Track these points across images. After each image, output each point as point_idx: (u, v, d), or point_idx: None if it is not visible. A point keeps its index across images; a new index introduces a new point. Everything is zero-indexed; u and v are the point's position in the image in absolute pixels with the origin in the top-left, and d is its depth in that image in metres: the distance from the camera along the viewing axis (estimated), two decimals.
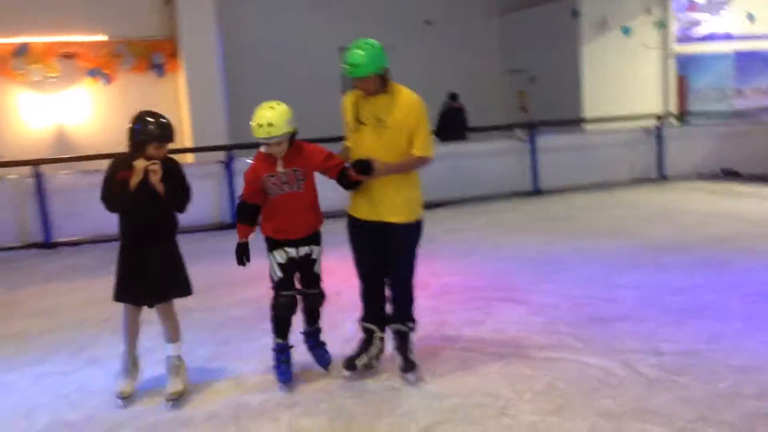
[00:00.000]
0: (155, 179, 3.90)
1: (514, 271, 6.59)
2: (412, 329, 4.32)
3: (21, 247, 8.69)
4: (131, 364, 4.17)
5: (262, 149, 4.04)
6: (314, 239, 4.18)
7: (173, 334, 4.18)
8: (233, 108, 11.44)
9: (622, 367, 4.16)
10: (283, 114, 3.89)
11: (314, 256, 4.16)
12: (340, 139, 4.50)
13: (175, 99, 11.83)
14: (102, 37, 11.46)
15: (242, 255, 4.08)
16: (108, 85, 11.58)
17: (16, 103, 11.28)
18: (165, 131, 3.95)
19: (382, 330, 4.35)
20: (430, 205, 9.81)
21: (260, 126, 3.86)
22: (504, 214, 9.71)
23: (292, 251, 4.10)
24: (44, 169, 9.10)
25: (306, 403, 3.94)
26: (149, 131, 3.90)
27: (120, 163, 3.99)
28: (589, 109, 13.35)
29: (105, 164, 9.74)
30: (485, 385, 4.05)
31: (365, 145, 4.07)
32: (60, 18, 11.21)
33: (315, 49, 13.55)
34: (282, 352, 4.21)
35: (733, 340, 4.49)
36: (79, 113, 11.60)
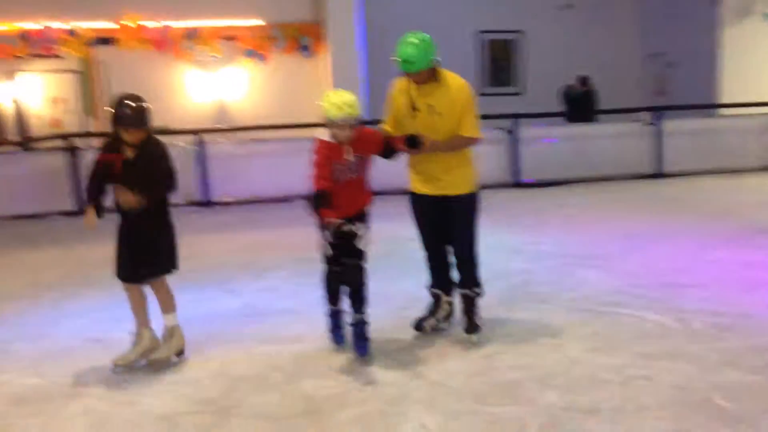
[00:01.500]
0: (127, 204, 4.05)
1: (608, 241, 7.08)
2: (478, 294, 4.59)
3: (183, 204, 10.12)
4: (138, 336, 4.33)
5: (325, 136, 4.16)
6: (361, 218, 4.31)
7: (167, 305, 4.38)
8: (372, 87, 12.36)
9: (675, 322, 4.69)
10: (356, 100, 4.10)
11: (359, 233, 4.24)
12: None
13: (320, 78, 12.95)
14: (259, 22, 12.75)
15: (324, 199, 4.08)
16: (262, 65, 12.88)
17: (183, 79, 12.84)
18: (134, 117, 4.01)
19: (448, 294, 4.67)
20: (548, 183, 10.57)
21: (340, 108, 4.01)
22: (620, 194, 10.04)
23: (343, 227, 4.17)
24: (205, 137, 10.49)
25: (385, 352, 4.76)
26: (119, 116, 4.01)
27: (105, 146, 4.20)
28: (727, 96, 13.15)
29: (259, 135, 10.94)
30: (547, 329, 4.71)
31: (419, 129, 4.29)
32: (225, 4, 12.60)
33: (452, 33, 14.21)
34: (334, 316, 4.49)
35: None
36: (236, 89, 13.00)
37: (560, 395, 3.68)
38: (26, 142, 11.71)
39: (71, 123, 12.45)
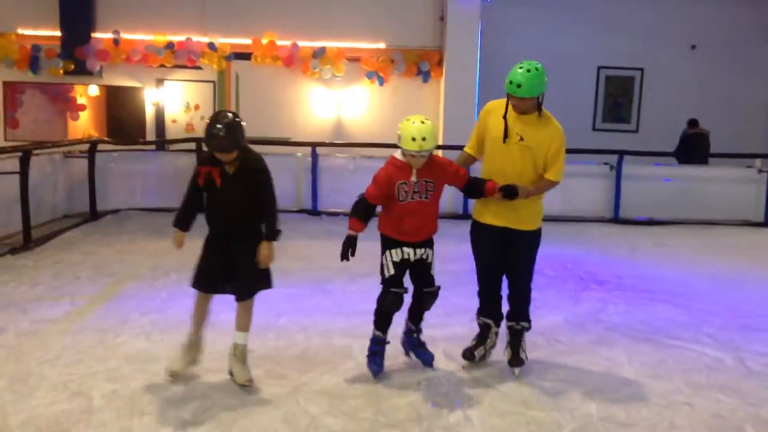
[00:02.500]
0: (269, 263, 4.18)
1: (697, 281, 7.16)
2: (526, 329, 4.61)
3: (295, 211, 10.87)
4: (193, 345, 4.31)
5: (399, 156, 4.24)
6: (430, 243, 4.41)
7: (247, 324, 4.27)
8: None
9: (733, 361, 4.84)
10: (435, 130, 4.15)
11: (430, 260, 4.39)
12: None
13: (435, 102, 13.50)
14: (382, 45, 13.47)
15: (350, 247, 4.24)
16: (382, 86, 13.56)
17: (308, 95, 13.70)
18: (224, 140, 3.96)
19: (498, 325, 4.70)
20: (648, 223, 10.59)
21: (414, 139, 4.06)
22: (722, 238, 9.92)
23: (409, 252, 4.32)
24: (321, 150, 11.23)
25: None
26: (209, 140, 4.00)
27: (201, 161, 4.23)
28: None
29: (372, 152, 11.50)
30: (608, 352, 4.97)
31: (503, 159, 4.37)
32: (351, 27, 13.40)
33: (572, 67, 14.42)
34: (380, 344, 4.45)
35: None
36: (356, 108, 13.74)
37: (602, 408, 3.98)
38: (162, 142, 12.89)
39: (202, 128, 13.57)
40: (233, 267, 4.15)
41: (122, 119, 14.74)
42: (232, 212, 4.11)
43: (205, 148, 4.18)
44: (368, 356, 4.46)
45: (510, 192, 4.28)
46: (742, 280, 7.33)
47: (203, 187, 4.14)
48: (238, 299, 4.22)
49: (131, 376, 4.32)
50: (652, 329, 5.54)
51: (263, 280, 4.25)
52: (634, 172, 11.23)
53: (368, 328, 5.18)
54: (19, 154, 7.91)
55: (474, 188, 4.42)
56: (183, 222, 4.24)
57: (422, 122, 4.12)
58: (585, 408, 3.98)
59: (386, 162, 4.30)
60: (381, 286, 4.38)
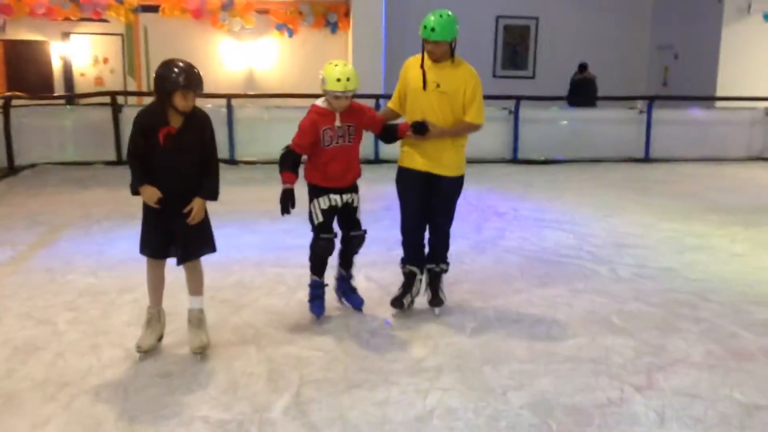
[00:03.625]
0: (199, 219, 3.96)
1: (579, 212, 8.12)
2: (444, 271, 4.82)
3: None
4: (155, 319, 4.13)
5: (321, 103, 4.38)
6: (355, 188, 4.57)
7: (199, 287, 4.18)
8: (388, 67, 13.39)
9: (607, 271, 5.77)
10: (356, 72, 4.27)
11: (356, 204, 4.56)
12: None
13: (343, 53, 13.99)
14: None
15: (288, 201, 4.31)
16: (291, 38, 13.95)
17: (218, 48, 13.96)
18: (190, 79, 3.77)
19: (422, 272, 4.81)
20: (544, 162, 11.57)
21: (339, 80, 4.18)
22: (606, 174, 11.00)
23: (336, 198, 4.47)
24: (234, 102, 11.60)
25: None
26: (174, 79, 3.74)
27: (150, 116, 3.87)
28: (721, 90, 13.98)
29: (285, 102, 11.91)
30: (504, 269, 5.79)
31: (423, 107, 4.49)
32: None
33: (472, 17, 15.16)
34: (319, 287, 4.62)
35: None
36: (266, 59, 14.10)
37: (498, 310, 4.81)
38: (72, 97, 12.91)
39: (113, 82, 13.65)
40: (177, 229, 3.97)
41: (26, 74, 14.55)
42: (178, 172, 3.90)
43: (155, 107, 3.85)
44: (309, 301, 4.64)
45: (420, 128, 4.40)
46: (622, 207, 8.36)
47: (148, 145, 3.84)
48: (179, 262, 4.05)
49: (88, 306, 4.83)
50: (542, 249, 6.43)
51: (207, 243, 4.13)
52: (530, 115, 12.17)
53: (296, 260, 5.80)
54: None
55: (389, 131, 4.62)
56: (146, 175, 3.89)
57: (344, 65, 4.29)
58: (485, 312, 4.79)
59: (308, 111, 4.40)
60: (311, 232, 4.54)
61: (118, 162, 10.72)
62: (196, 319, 4.14)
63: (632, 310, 4.87)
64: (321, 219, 4.47)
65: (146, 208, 4.00)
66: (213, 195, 4.01)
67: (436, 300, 4.77)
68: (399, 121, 4.68)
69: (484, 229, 7.19)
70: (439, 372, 3.86)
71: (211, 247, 4.16)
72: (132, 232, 6.73)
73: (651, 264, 5.98)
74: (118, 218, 7.38)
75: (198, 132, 3.92)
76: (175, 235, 3.98)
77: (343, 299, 4.85)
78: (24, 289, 5.12)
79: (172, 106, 3.80)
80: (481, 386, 3.70)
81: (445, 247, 4.80)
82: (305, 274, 4.78)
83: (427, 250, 4.80)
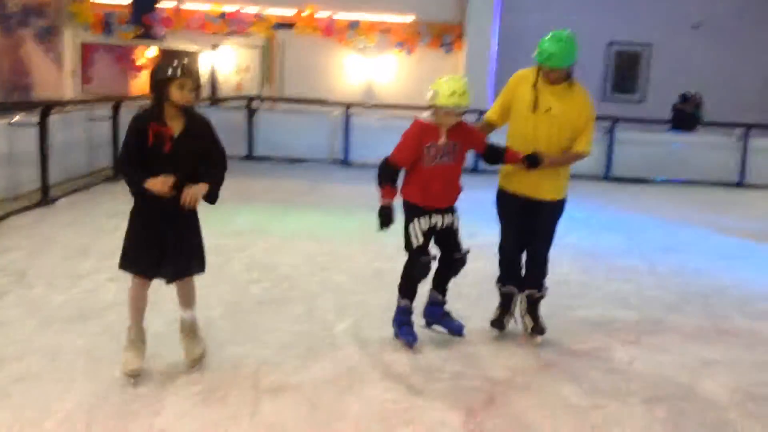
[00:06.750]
0: (193, 202, 3.63)
1: (646, 221, 8.87)
2: (542, 296, 4.62)
3: (328, 162, 12.71)
4: (138, 340, 3.79)
5: (426, 118, 4.17)
6: (455, 209, 4.38)
7: (191, 301, 3.94)
8: (499, 83, 14.39)
9: (647, 266, 6.60)
10: (468, 89, 4.06)
11: (456, 226, 4.36)
12: None
13: (455, 72, 15.13)
14: (410, 19, 15.13)
15: (387, 217, 4.16)
16: (408, 56, 15.26)
17: (342, 62, 15.46)
18: (186, 67, 3.56)
19: (520, 291, 4.64)
20: (639, 181, 12.22)
21: (453, 95, 3.98)
22: (703, 196, 11.38)
23: (437, 219, 4.25)
24: (353, 110, 13.02)
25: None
26: (169, 68, 3.53)
27: (145, 114, 3.64)
28: None
29: (401, 113, 13.14)
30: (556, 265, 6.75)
31: (528, 130, 4.31)
32: (383, 2, 15.08)
33: (582, 41, 15.87)
34: (408, 314, 4.39)
35: None
36: (384, 74, 15.46)
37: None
38: (216, 99, 14.81)
39: (250, 88, 15.46)
40: (171, 244, 3.67)
41: None
42: (177, 181, 3.58)
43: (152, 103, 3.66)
44: (399, 328, 4.39)
45: (534, 161, 4.25)
46: (686, 223, 9.02)
47: (146, 150, 3.57)
48: (171, 280, 3.78)
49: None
50: (595, 249, 7.31)
51: (197, 261, 3.84)
52: (628, 137, 12.85)
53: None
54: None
55: (494, 154, 4.40)
56: (144, 178, 3.57)
57: (459, 79, 4.09)
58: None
59: (411, 125, 4.24)
60: (406, 252, 4.34)
61: (249, 157, 12.40)
62: (190, 328, 3.94)
63: (644, 288, 5.76)
64: (420, 241, 4.26)
65: (137, 219, 3.71)
66: (213, 196, 3.74)
67: (538, 328, 4.57)
68: (506, 145, 4.45)
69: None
70: None
71: (201, 266, 3.87)
72: (246, 209, 8.25)
73: (689, 264, 6.78)
74: (241, 201, 8.90)
75: (198, 138, 3.68)
76: (168, 251, 3.67)
77: (436, 325, 4.56)
78: None
79: (169, 101, 3.56)
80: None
81: (543, 273, 4.62)
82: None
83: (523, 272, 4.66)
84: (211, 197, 3.72)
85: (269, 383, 3.80)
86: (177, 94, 3.53)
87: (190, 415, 3.43)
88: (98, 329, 4.41)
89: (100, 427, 3.28)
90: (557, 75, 4.22)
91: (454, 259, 4.39)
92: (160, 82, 3.54)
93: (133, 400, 3.52)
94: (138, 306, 3.80)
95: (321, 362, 4.11)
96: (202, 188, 3.64)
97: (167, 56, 4.26)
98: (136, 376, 3.69)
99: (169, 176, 3.54)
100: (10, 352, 4.04)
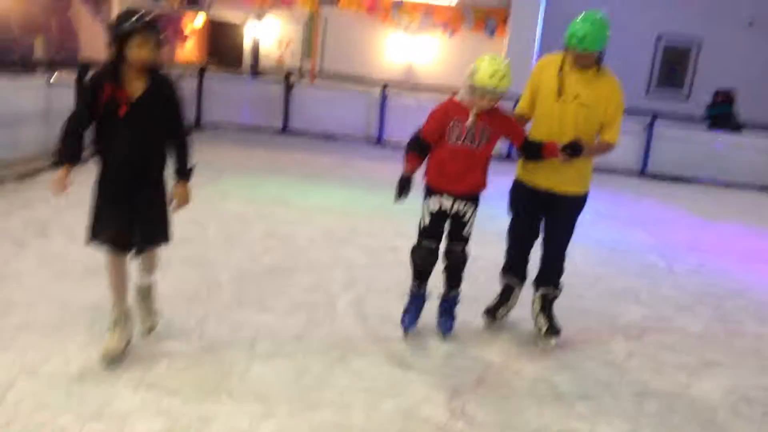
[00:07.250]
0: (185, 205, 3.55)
1: (677, 221, 8.73)
2: (557, 295, 4.40)
3: (363, 139, 12.75)
4: (122, 319, 3.60)
5: (459, 98, 3.93)
6: (473, 199, 4.06)
7: (153, 267, 3.75)
8: None
9: (665, 263, 6.52)
10: (509, 72, 3.79)
11: (467, 218, 4.05)
12: None
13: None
14: (455, 1, 15.04)
15: (404, 188, 3.96)
16: (451, 38, 15.19)
17: (385, 40, 15.47)
18: (147, 22, 3.22)
19: (521, 286, 4.51)
20: (675, 179, 12.01)
21: (493, 76, 3.72)
22: (737, 199, 11.29)
23: (447, 203, 4.02)
24: (390, 90, 13.02)
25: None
26: (127, 22, 3.20)
27: (100, 72, 3.35)
28: None
29: (438, 96, 13.17)
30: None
31: (554, 119, 4.06)
32: None
33: (630, 33, 15.62)
34: (414, 297, 4.20)
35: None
36: (426, 55, 15.43)
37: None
38: (256, 71, 14.96)
39: (292, 62, 15.56)
40: (136, 214, 3.47)
41: (222, 48, 16.86)
42: (138, 147, 3.39)
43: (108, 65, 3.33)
44: (404, 310, 4.25)
45: (576, 149, 3.95)
46: (714, 221, 8.86)
47: (100, 112, 3.31)
48: (139, 251, 3.57)
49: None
50: (617, 243, 7.23)
51: (163, 231, 3.61)
52: (668, 133, 12.61)
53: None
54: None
55: (532, 148, 4.09)
56: (75, 155, 3.38)
57: (502, 61, 3.82)
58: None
59: (445, 101, 4.04)
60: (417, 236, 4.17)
61: (284, 130, 12.50)
62: (146, 293, 3.77)
63: (663, 286, 5.69)
64: (427, 222, 4.08)
65: (101, 185, 3.48)
66: (188, 173, 3.54)
67: (553, 328, 4.30)
68: (529, 136, 4.21)
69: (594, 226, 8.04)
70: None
71: (166, 236, 3.64)
72: (282, 181, 8.37)
73: (705, 264, 6.70)
74: (268, 171, 9.00)
75: (159, 104, 3.39)
76: (135, 219, 3.47)
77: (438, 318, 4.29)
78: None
79: (128, 61, 3.25)
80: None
81: (560, 271, 4.38)
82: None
83: (537, 269, 4.42)
84: (189, 176, 3.56)
85: (264, 348, 3.87)
86: (135, 52, 3.22)
87: (182, 371, 3.53)
88: None
89: (93, 377, 3.39)
90: (587, 60, 3.97)
91: (448, 250, 4.13)
92: (117, 37, 3.22)
93: (128, 354, 3.63)
94: (117, 283, 3.57)
95: (318, 332, 4.17)
96: (185, 192, 3.54)
97: (127, 11, 3.31)
98: (112, 362, 3.46)
99: (66, 178, 3.33)
100: (21, 300, 4.19)
